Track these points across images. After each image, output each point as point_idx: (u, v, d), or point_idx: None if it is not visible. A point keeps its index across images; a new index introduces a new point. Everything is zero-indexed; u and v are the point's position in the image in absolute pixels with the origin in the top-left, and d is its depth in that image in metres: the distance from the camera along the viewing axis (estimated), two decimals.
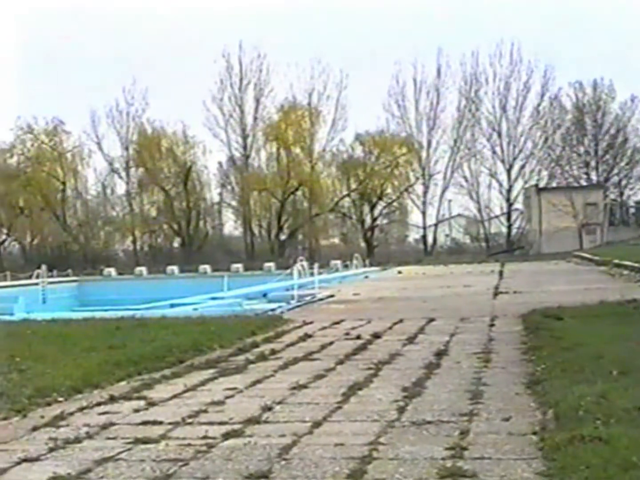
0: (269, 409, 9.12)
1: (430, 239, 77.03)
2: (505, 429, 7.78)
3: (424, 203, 75.87)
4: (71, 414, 9.17)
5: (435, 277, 41.22)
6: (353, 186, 75.51)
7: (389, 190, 76.32)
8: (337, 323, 18.91)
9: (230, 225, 78.69)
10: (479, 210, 75.87)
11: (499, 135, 74.91)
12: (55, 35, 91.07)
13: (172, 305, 27.63)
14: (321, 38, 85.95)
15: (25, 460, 7.18)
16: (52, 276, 49.09)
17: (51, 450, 7.53)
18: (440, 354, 13.01)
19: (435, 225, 77.32)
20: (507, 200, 75.37)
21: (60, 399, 10.07)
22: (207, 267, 53.67)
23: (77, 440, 7.86)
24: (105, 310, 25.05)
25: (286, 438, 7.69)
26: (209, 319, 19.79)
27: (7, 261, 68.91)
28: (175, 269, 54.75)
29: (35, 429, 8.45)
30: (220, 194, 77.15)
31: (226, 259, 60.03)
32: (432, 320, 18.84)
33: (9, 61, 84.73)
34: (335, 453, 7.10)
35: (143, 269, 55.17)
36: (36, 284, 43.89)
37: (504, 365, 11.77)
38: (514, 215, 76.05)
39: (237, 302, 26.39)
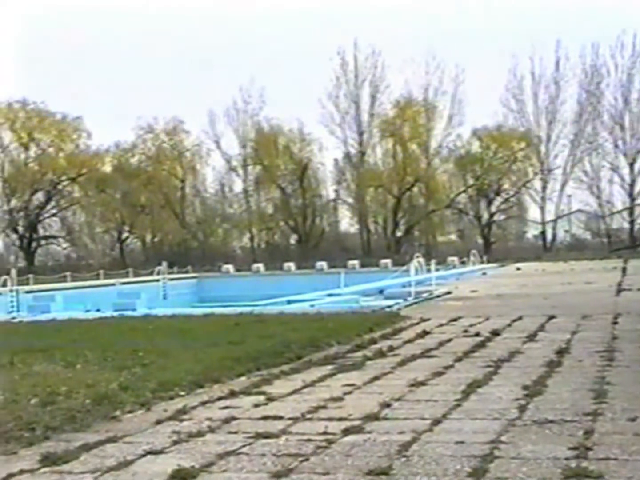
0: (388, 405, 9.09)
1: (549, 235, 75.66)
2: (631, 429, 7.57)
3: (542, 198, 74.57)
4: (193, 408, 9.32)
5: (555, 273, 40.49)
6: (470, 182, 74.76)
7: (506, 186, 75.31)
8: (455, 320, 18.75)
9: (346, 222, 78.89)
10: (600, 205, 74.08)
11: (622, 128, 72.98)
12: (175, 37, 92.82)
13: (289, 302, 27.83)
14: (436, 33, 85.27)
15: (149, 452, 7.32)
16: (172, 273, 50.12)
17: (175, 443, 7.66)
18: (561, 352, 12.76)
19: (554, 221, 75.88)
20: (630, 195, 73.36)
21: (183, 393, 10.24)
22: (323, 264, 53.92)
23: (200, 433, 7.98)
24: (224, 306, 25.39)
25: (405, 435, 7.65)
26: (326, 315, 19.87)
27: (128, 258, 70.61)
28: (291, 265, 55.18)
29: (158, 422, 8.61)
30: (336, 191, 77.40)
31: (342, 255, 60.18)
32: (552, 317, 18.52)
33: (132, 64, 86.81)
34: (455, 451, 7.02)
35: (260, 266, 55.77)
36: (157, 280, 44.90)
37: (628, 364, 11.47)
38: (637, 210, 73.97)
39: (354, 298, 26.39)
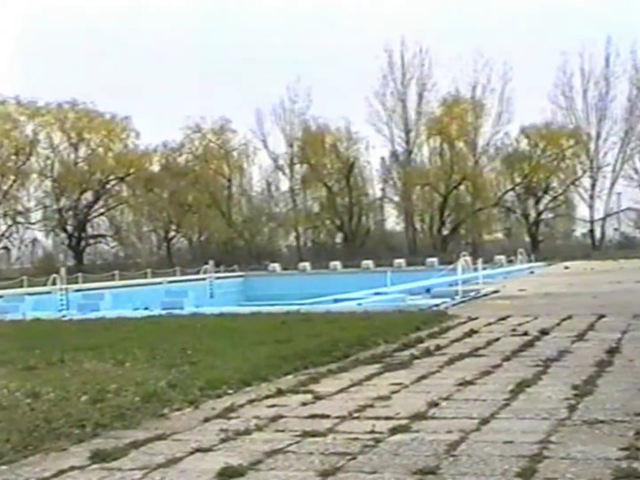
0: (436, 404, 9.05)
1: (598, 234, 74.89)
2: None
3: (591, 196, 73.85)
4: (241, 406, 9.35)
5: (604, 272, 40.05)
6: (517, 180, 74.26)
7: (554, 184, 74.73)
8: (503, 319, 18.63)
9: (392, 221, 78.76)
10: None
11: None
12: (221, 37, 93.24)
13: (335, 300, 27.81)
14: (484, 30, 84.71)
15: (198, 450, 7.36)
16: (218, 271, 50.35)
17: (222, 441, 7.69)
18: (612, 352, 12.62)
19: (604, 219, 75.10)
20: None
21: (230, 391, 10.28)
22: (369, 263, 53.86)
23: (247, 432, 8.00)
24: (271, 305, 25.45)
25: (453, 434, 7.61)
26: (373, 314, 19.85)
27: (175, 257, 71.09)
28: (338, 264, 55.18)
29: (206, 420, 8.65)
30: (383, 189, 77.30)
31: (388, 254, 60.08)
32: (602, 316, 18.32)
33: (180, 64, 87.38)
34: (504, 451, 6.97)
35: (306, 264, 55.84)
36: (204, 279, 45.13)
37: None
38: None
39: (401, 297, 26.35)
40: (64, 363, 12.67)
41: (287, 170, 75.74)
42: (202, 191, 73.37)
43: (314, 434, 7.77)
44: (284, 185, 76.54)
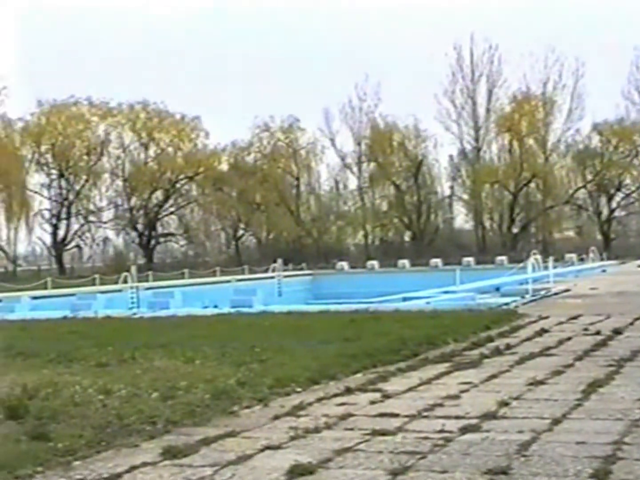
0: (506, 404, 8.97)
1: None
2: None
3: None
4: (310, 404, 9.37)
5: None
6: (589, 177, 73.16)
7: (627, 181, 73.44)
8: (574, 318, 18.39)
9: (461, 219, 78.14)
10: None
11: None
12: (290, 36, 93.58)
13: (404, 299, 27.71)
14: (555, 25, 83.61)
15: (268, 447, 7.38)
16: (287, 270, 50.51)
17: (292, 438, 7.71)
18: None
19: None
20: None
21: (299, 389, 10.31)
22: (438, 261, 53.56)
23: (317, 430, 8.01)
24: (339, 303, 25.45)
25: (524, 434, 7.53)
26: (442, 312, 19.77)
27: (244, 255, 71.46)
28: (406, 262, 54.97)
29: (276, 417, 8.69)
30: (451, 187, 76.77)
31: (457, 252, 59.65)
32: None
33: (248, 64, 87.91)
34: (576, 451, 6.88)
35: (374, 263, 55.72)
36: (272, 277, 45.30)
37: None
38: None
39: (470, 296, 26.14)
40: (135, 360, 12.83)
41: (355, 169, 75.67)
42: (271, 190, 73.64)
43: (383, 433, 7.76)
44: (352, 183, 76.53)
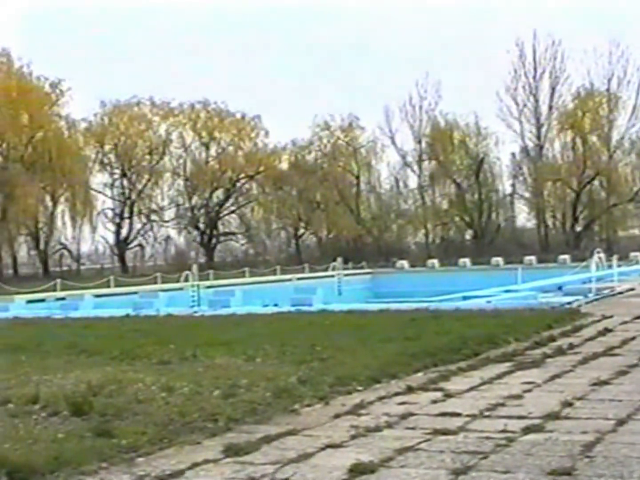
0: (569, 404, 8.87)
1: None
2: None
3: None
4: (371, 403, 9.35)
5: None
6: None
7: None
8: (639, 317, 18.11)
9: (523, 217, 77.36)
10: None
11: None
12: (350, 34, 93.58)
13: (464, 298, 27.55)
14: (620, 21, 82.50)
15: (329, 446, 7.39)
16: (347, 268, 50.48)
17: (353, 437, 7.70)
18: None
19: None
20: None
21: (360, 388, 10.30)
22: (499, 260, 53.13)
23: (378, 428, 8.00)
24: (399, 302, 25.37)
25: (588, 435, 7.44)
26: (503, 311, 19.61)
27: (304, 254, 71.56)
28: (467, 261, 54.63)
29: (337, 416, 8.69)
30: (513, 185, 76.02)
31: (519, 251, 59.07)
32: None
33: (308, 63, 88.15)
34: None
35: (435, 262, 55.47)
36: (332, 276, 45.32)
37: None
38: None
39: (532, 295, 25.89)
40: (196, 358, 12.93)
41: (415, 167, 75.30)
42: (331, 188, 73.65)
43: (444, 432, 7.72)
44: (413, 182, 76.17)
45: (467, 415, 8.47)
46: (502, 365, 11.91)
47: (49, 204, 66.01)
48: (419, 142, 74.20)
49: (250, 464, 6.91)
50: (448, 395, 9.68)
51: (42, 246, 66.48)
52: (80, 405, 8.88)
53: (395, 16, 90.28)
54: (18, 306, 28.83)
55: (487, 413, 8.62)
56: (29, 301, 30.96)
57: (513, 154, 74.50)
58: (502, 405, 9.01)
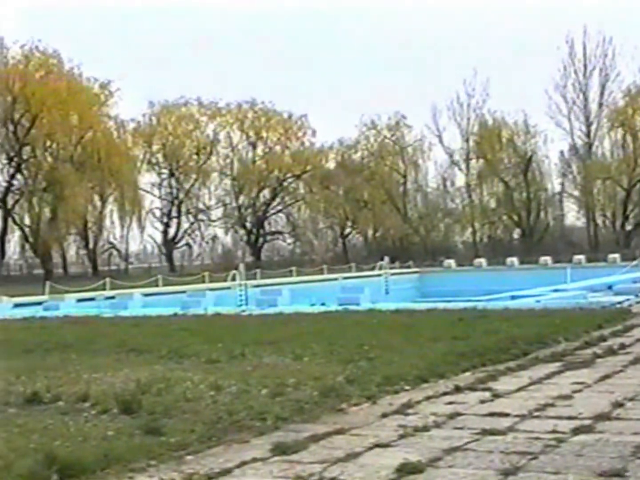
0: (620, 405, 8.77)
1: None
2: None
3: None
4: (418, 402, 9.32)
5: None
6: None
7: None
8: None
9: (572, 216, 76.66)
10: None
11: None
12: (397, 34, 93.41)
13: (512, 297, 27.35)
14: None
15: (377, 445, 7.37)
16: (394, 268, 50.34)
17: (401, 437, 7.68)
18: None
19: None
20: None
21: (407, 387, 10.26)
22: (547, 259, 52.64)
23: (426, 428, 7.97)
24: (446, 301, 25.25)
25: None
26: (552, 311, 19.45)
27: (351, 253, 71.57)
28: (514, 260, 54.19)
29: (384, 415, 8.66)
30: (562, 184, 75.38)
31: (567, 250, 58.55)
32: None
33: (354, 62, 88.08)
34: None
35: (482, 261, 55.12)
36: (379, 275, 45.23)
37: None
38: None
39: (581, 294, 25.64)
40: (244, 357, 12.97)
41: (462, 166, 74.94)
42: (378, 187, 73.57)
43: (493, 432, 7.67)
44: (460, 180, 75.83)
45: (516, 416, 8.41)
46: (551, 365, 11.81)
47: (98, 203, 66.72)
48: (467, 140, 73.85)
49: (298, 462, 6.91)
50: (496, 395, 9.61)
51: (91, 245, 67.22)
52: (129, 403, 8.95)
53: (443, 14, 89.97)
54: (68, 305, 29.15)
55: (536, 413, 8.55)
56: (79, 300, 31.27)
57: (562, 152, 73.89)
58: (552, 405, 8.93)
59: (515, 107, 71.54)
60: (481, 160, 74.09)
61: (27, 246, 65.03)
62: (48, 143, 63.24)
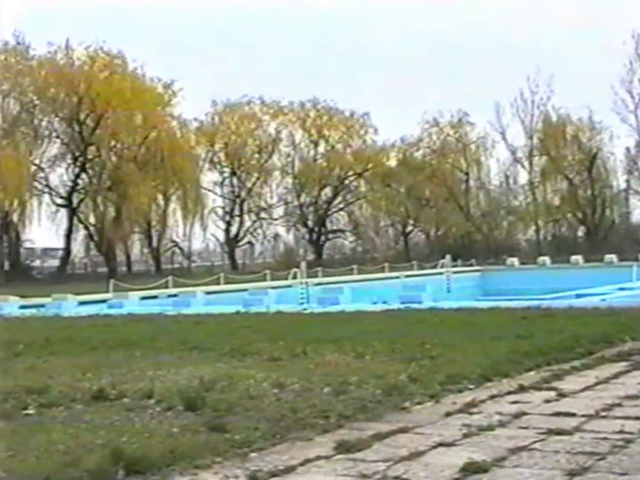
0: None
1: None
2: None
3: None
4: (482, 401, 9.24)
5: None
6: None
7: None
8: None
9: (639, 213, 75.57)
10: None
11: None
12: (458, 30, 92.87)
13: (577, 296, 27.05)
14: None
15: (441, 444, 7.33)
16: (455, 266, 50.07)
17: (465, 436, 7.63)
18: None
19: None
20: None
21: (471, 386, 10.19)
22: (613, 257, 51.94)
23: (490, 427, 7.90)
24: (509, 299, 25.03)
25: None
26: (618, 309, 19.17)
27: (413, 251, 71.36)
28: (579, 258, 53.56)
29: (448, 414, 8.61)
30: (627, 181, 74.32)
31: (634, 248, 57.62)
32: None
33: (416, 59, 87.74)
34: None
35: (546, 259, 54.57)
36: (441, 273, 45.04)
37: None
38: None
39: None
40: (306, 355, 12.98)
41: (526, 163, 74.27)
42: (440, 185, 73.28)
43: (559, 432, 7.58)
44: (523, 178, 75.19)
45: (583, 416, 8.30)
46: (617, 364, 11.64)
47: (161, 202, 67.36)
48: (530, 137, 73.14)
49: (362, 460, 6.90)
50: (562, 395, 9.50)
51: (154, 244, 67.91)
52: (193, 400, 9.01)
53: (505, 9, 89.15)
54: (132, 303, 29.50)
55: (603, 413, 8.43)
56: (143, 298, 31.64)
57: (628, 149, 72.86)
58: (619, 405, 8.80)
59: (580, 103, 70.64)
60: (545, 157, 73.37)
61: (91, 245, 65.96)
62: (112, 143, 64.03)
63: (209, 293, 32.25)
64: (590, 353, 12.65)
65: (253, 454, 7.19)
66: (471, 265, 54.62)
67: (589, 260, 52.93)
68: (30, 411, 9.12)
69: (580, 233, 73.85)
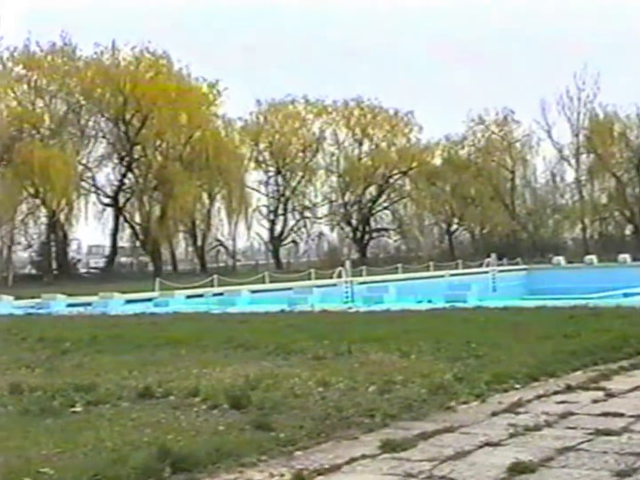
0: None
1: None
2: None
3: None
4: (529, 401, 9.17)
5: None
6: None
7: None
8: None
9: None
10: None
11: None
12: (504, 27, 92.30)
13: (625, 295, 26.75)
14: None
15: (487, 444, 7.28)
16: (501, 264, 49.77)
17: (511, 436, 7.57)
18: None
19: None
20: None
21: (517, 385, 10.12)
22: None
23: (537, 427, 7.84)
24: (555, 298, 24.83)
25: None
26: None
27: (457, 250, 71.08)
28: (627, 257, 52.97)
29: (494, 414, 8.56)
30: None
31: None
32: None
33: (461, 58, 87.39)
34: None
35: (593, 257, 54.03)
36: (486, 272, 44.79)
37: None
38: None
39: None
40: (351, 354, 12.96)
41: (572, 161, 73.67)
42: (485, 184, 72.92)
43: (607, 433, 7.50)
44: (570, 176, 74.57)
45: (631, 416, 8.20)
46: None
47: (206, 201, 67.70)
48: (577, 135, 72.50)
49: (407, 460, 6.88)
50: (610, 395, 9.40)
51: (199, 243, 68.27)
52: (239, 398, 9.04)
53: (551, 7, 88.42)
54: (177, 301, 29.65)
55: None
56: (188, 296, 31.79)
57: None
58: None
59: (628, 100, 69.88)
60: (592, 155, 72.70)
61: (137, 243, 66.48)
62: (158, 142, 64.50)
63: (253, 292, 32.34)
64: (638, 353, 12.50)
65: (298, 453, 7.20)
66: (517, 264, 54.26)
67: (636, 259, 52.33)
68: (78, 409, 9.20)
69: (627, 231, 73.09)
